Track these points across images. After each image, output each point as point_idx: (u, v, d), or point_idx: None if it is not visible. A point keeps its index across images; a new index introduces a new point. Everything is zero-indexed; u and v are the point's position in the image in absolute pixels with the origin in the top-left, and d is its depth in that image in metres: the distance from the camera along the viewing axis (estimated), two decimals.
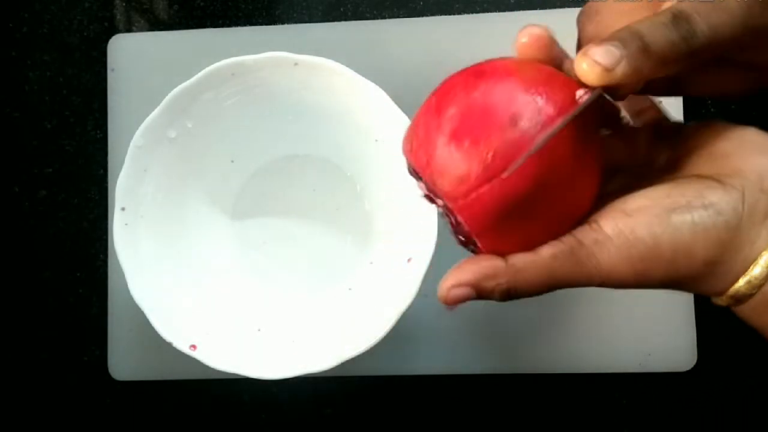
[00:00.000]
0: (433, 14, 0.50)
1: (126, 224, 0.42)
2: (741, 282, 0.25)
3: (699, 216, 0.25)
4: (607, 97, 0.26)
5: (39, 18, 0.53)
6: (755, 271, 0.25)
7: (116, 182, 0.41)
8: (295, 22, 0.51)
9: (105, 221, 0.50)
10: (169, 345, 0.40)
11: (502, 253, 0.26)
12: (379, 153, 0.44)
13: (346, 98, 0.42)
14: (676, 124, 0.30)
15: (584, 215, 0.26)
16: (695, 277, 0.25)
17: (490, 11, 0.49)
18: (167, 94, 0.41)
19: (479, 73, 0.27)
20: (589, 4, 0.28)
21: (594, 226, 0.26)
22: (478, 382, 0.48)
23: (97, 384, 0.50)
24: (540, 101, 0.25)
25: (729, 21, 0.25)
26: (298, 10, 0.51)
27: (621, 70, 0.24)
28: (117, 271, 0.44)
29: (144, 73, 0.50)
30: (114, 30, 0.52)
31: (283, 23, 0.51)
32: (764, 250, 0.25)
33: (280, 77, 0.42)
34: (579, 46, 0.29)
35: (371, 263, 0.46)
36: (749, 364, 0.47)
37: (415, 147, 0.26)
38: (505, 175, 0.24)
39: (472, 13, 0.49)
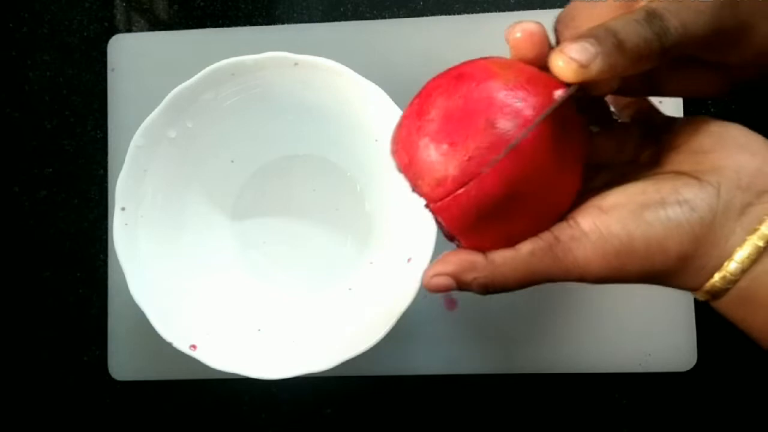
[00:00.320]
0: (433, 14, 0.50)
1: (126, 224, 0.42)
2: (716, 277, 0.25)
3: (673, 212, 0.25)
4: (588, 94, 0.27)
5: (39, 18, 0.53)
6: (730, 266, 0.25)
7: (116, 182, 0.41)
8: (295, 22, 0.51)
9: (105, 221, 0.50)
10: (169, 345, 0.40)
11: (484, 250, 0.27)
12: (379, 153, 0.44)
13: (346, 98, 0.42)
14: (666, 119, 0.30)
15: (564, 212, 0.27)
16: (670, 272, 0.26)
17: (490, 11, 0.49)
18: (167, 94, 0.41)
19: (459, 75, 0.27)
20: (564, 10, 0.29)
21: (571, 222, 0.26)
22: (478, 382, 0.48)
23: (97, 384, 0.50)
24: (519, 104, 0.25)
25: (699, 19, 0.25)
26: (298, 10, 0.51)
27: (596, 67, 0.24)
28: (117, 271, 0.44)
29: (144, 73, 0.50)
30: (114, 30, 0.52)
31: (283, 23, 0.51)
32: (738, 246, 0.25)
33: (280, 77, 0.42)
34: None
35: (371, 263, 0.46)
36: (749, 364, 0.47)
37: (398, 148, 0.27)
38: (484, 171, 0.24)
39: (472, 13, 0.49)
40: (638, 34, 0.25)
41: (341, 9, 0.51)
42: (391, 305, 0.40)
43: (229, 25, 0.51)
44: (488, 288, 0.27)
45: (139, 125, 0.41)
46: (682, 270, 0.26)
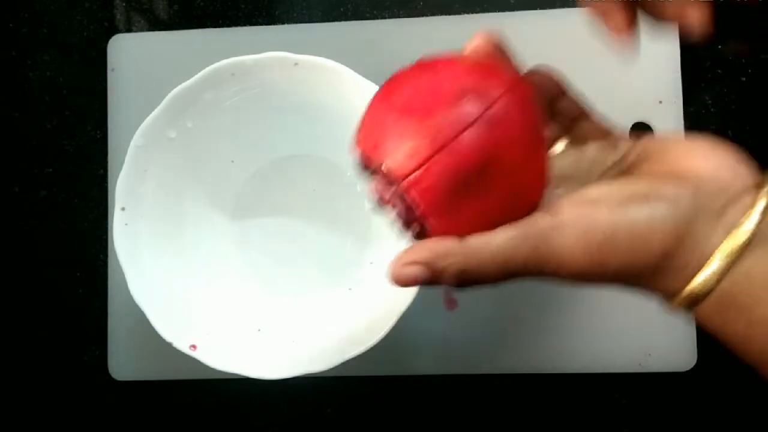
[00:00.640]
0: (433, 14, 0.50)
1: (126, 224, 0.42)
2: (697, 279, 0.25)
3: (657, 207, 0.25)
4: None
5: (39, 18, 0.53)
6: (711, 265, 0.25)
7: (116, 182, 0.41)
8: (295, 22, 0.51)
9: (105, 221, 0.50)
10: (169, 345, 0.40)
11: (457, 235, 0.25)
12: None
13: (346, 98, 0.42)
14: (632, 140, 0.30)
15: (537, 200, 0.26)
16: (652, 269, 0.25)
17: (490, 11, 0.49)
18: (167, 94, 0.41)
19: (423, 64, 0.27)
20: None
21: (552, 211, 0.25)
22: (478, 382, 0.48)
23: (97, 384, 0.50)
24: (484, 81, 0.25)
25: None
26: (298, 10, 0.51)
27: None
28: (117, 271, 0.44)
29: (144, 73, 0.50)
30: (114, 30, 0.52)
31: (283, 23, 0.51)
32: (718, 244, 0.25)
33: (280, 77, 0.42)
34: None
35: (371, 263, 0.46)
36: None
37: (362, 137, 0.26)
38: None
39: (472, 13, 0.49)
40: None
41: (341, 9, 0.51)
42: (391, 305, 0.40)
43: (229, 25, 0.51)
44: (463, 277, 0.25)
45: (139, 125, 0.41)
46: (663, 268, 0.25)
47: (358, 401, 0.49)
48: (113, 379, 0.50)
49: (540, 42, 0.48)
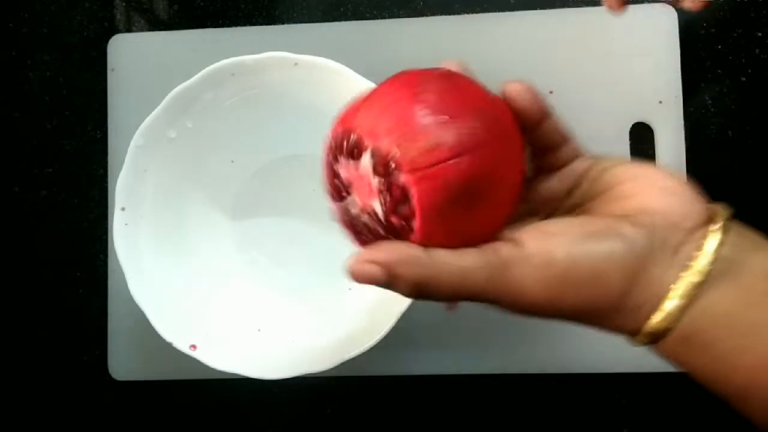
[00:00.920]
0: (433, 14, 0.50)
1: (126, 224, 0.42)
2: (656, 317, 0.25)
3: (615, 245, 0.25)
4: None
5: (39, 18, 0.53)
6: (667, 304, 0.25)
7: (116, 182, 0.41)
8: (295, 22, 0.51)
9: (105, 221, 0.50)
10: (169, 345, 0.41)
11: (428, 244, 0.25)
12: None
13: (346, 98, 0.42)
14: (585, 167, 0.30)
15: (503, 227, 0.27)
16: (609, 307, 0.25)
17: (490, 11, 0.49)
18: (167, 94, 0.41)
19: (445, 72, 0.28)
20: None
21: (516, 242, 0.26)
22: (478, 382, 0.48)
23: (97, 384, 0.50)
24: (494, 100, 0.27)
25: None
26: (298, 10, 0.51)
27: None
28: (117, 271, 0.44)
29: (144, 73, 0.50)
30: (114, 30, 0.52)
31: (283, 23, 0.51)
32: (673, 283, 0.25)
33: (280, 77, 0.42)
34: None
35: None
36: None
37: (360, 119, 0.26)
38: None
39: (472, 13, 0.49)
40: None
41: (341, 9, 0.51)
42: (391, 305, 0.40)
43: (229, 25, 0.51)
44: (419, 288, 0.25)
45: (139, 125, 0.41)
46: (619, 308, 0.25)
47: (358, 401, 0.49)
48: (113, 379, 0.50)
49: (540, 42, 0.48)
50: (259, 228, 0.48)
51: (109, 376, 0.50)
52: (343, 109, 0.28)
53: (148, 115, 0.41)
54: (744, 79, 0.48)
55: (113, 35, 0.51)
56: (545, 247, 0.25)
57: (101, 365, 0.50)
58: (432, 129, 0.25)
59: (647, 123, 0.47)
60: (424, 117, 0.25)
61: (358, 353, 0.40)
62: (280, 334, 0.44)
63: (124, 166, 0.41)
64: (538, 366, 0.47)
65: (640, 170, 0.28)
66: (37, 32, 0.53)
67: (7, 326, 0.52)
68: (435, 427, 0.49)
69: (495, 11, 0.49)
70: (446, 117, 0.25)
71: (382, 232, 0.26)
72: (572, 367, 0.47)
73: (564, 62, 0.48)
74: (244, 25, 0.51)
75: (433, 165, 0.24)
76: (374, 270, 0.25)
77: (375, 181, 0.25)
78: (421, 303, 0.39)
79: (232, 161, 0.47)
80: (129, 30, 0.52)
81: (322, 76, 0.41)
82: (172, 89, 0.41)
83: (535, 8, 0.49)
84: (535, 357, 0.47)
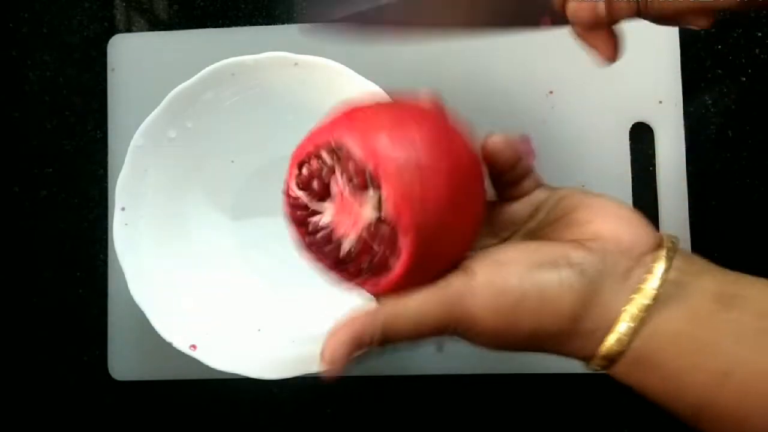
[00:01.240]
0: None
1: (126, 224, 0.42)
2: (610, 340, 0.26)
3: (565, 274, 0.26)
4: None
5: (39, 18, 0.53)
6: (620, 327, 0.26)
7: (116, 182, 0.41)
8: (295, 22, 0.51)
9: (105, 221, 0.50)
10: (169, 345, 0.40)
11: (415, 258, 0.26)
12: None
13: (346, 98, 0.42)
14: (543, 195, 0.31)
15: (464, 255, 0.28)
16: (562, 333, 0.26)
17: None
18: (167, 94, 0.41)
19: (411, 106, 0.29)
20: None
21: (468, 272, 0.27)
22: (478, 382, 0.48)
23: (97, 384, 0.50)
24: (466, 136, 0.29)
25: None
26: (298, 10, 0.51)
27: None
28: (117, 271, 0.44)
29: (144, 73, 0.50)
30: (114, 30, 0.52)
31: (283, 23, 0.51)
32: (624, 306, 0.26)
33: (280, 77, 0.42)
34: None
35: None
36: None
37: (374, 137, 0.26)
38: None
39: None
40: None
41: None
42: None
43: (229, 25, 0.51)
44: (385, 341, 0.27)
45: (139, 125, 0.41)
46: (573, 332, 0.26)
47: (358, 401, 0.49)
48: (113, 379, 0.50)
49: (540, 42, 0.48)
50: (259, 228, 0.48)
51: (109, 376, 0.50)
52: (329, 120, 0.29)
53: (148, 115, 0.41)
54: (744, 79, 0.48)
55: (113, 35, 0.51)
56: (497, 277, 0.26)
57: (101, 365, 0.50)
58: (427, 177, 0.26)
59: (647, 123, 0.47)
60: (419, 161, 0.26)
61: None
62: (280, 334, 0.44)
63: (124, 166, 0.41)
64: (539, 366, 0.47)
65: (594, 199, 0.29)
66: (37, 32, 0.53)
67: (7, 326, 0.52)
68: (435, 427, 0.49)
69: None
70: (437, 164, 0.26)
71: (350, 257, 0.28)
72: (573, 367, 0.47)
73: (564, 62, 0.48)
74: (244, 25, 0.51)
75: (424, 212, 0.25)
76: (346, 352, 0.27)
77: (366, 212, 0.26)
78: None
79: (232, 161, 0.47)
80: (129, 30, 0.52)
81: (322, 76, 0.41)
82: (172, 89, 0.41)
83: None
84: (534, 357, 0.47)
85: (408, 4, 0.27)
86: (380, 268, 0.27)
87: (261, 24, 0.51)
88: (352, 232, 0.27)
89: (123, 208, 0.42)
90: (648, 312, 0.26)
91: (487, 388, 0.48)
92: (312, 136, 0.29)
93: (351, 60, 0.41)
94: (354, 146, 0.26)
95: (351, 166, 0.26)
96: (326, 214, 0.28)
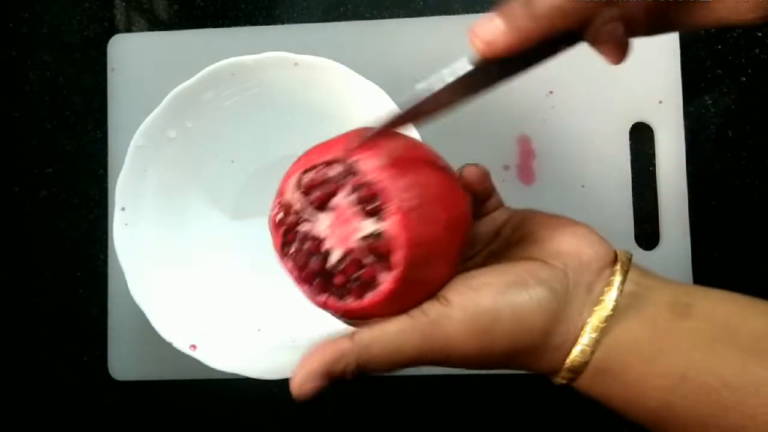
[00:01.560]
0: (433, 14, 0.50)
1: (126, 224, 0.42)
2: (575, 351, 0.27)
3: (534, 292, 0.27)
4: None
5: (39, 18, 0.53)
6: (583, 338, 0.27)
7: (116, 182, 0.41)
8: (295, 22, 0.51)
9: (105, 221, 0.50)
10: (169, 345, 0.41)
11: (407, 281, 0.26)
12: None
13: (346, 98, 0.42)
14: (506, 214, 0.32)
15: (443, 285, 0.28)
16: (534, 348, 0.27)
17: (490, 11, 0.49)
18: (167, 94, 0.41)
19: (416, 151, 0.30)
20: None
21: (442, 300, 0.27)
22: (478, 382, 0.48)
23: (97, 384, 0.50)
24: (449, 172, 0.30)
25: None
26: (298, 10, 0.51)
27: (503, 41, 0.26)
28: (117, 271, 0.44)
29: (144, 73, 0.50)
30: (114, 30, 0.52)
31: (283, 23, 0.51)
32: (588, 317, 0.27)
33: (280, 77, 0.42)
34: None
35: None
36: None
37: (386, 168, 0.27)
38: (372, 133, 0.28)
39: (472, 13, 0.49)
40: None
41: (341, 9, 0.51)
42: None
43: (229, 25, 0.51)
44: (361, 372, 0.27)
45: (139, 125, 0.41)
46: (544, 347, 0.27)
47: (358, 401, 0.49)
48: (113, 379, 0.50)
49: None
50: (259, 228, 0.48)
51: (109, 376, 0.50)
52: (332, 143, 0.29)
53: (148, 115, 0.41)
54: (744, 79, 0.48)
55: (113, 35, 0.51)
56: (471, 302, 0.27)
57: (101, 365, 0.50)
58: (428, 212, 0.27)
59: (647, 123, 0.47)
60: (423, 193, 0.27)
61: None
62: (280, 334, 0.44)
63: (124, 166, 0.41)
64: None
65: (553, 219, 0.30)
66: (37, 32, 0.53)
67: (7, 326, 0.52)
68: (435, 427, 0.49)
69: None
70: (438, 202, 0.27)
71: (338, 271, 0.28)
72: None
73: (564, 62, 0.48)
74: (244, 25, 0.51)
75: (419, 241, 0.26)
76: (315, 384, 0.27)
77: (365, 225, 0.27)
78: None
79: (232, 161, 0.47)
80: (129, 30, 0.52)
81: (322, 76, 0.41)
82: (172, 89, 0.41)
83: None
84: None
85: (457, 82, 0.28)
86: (367, 283, 0.27)
87: (261, 24, 0.51)
88: (344, 245, 0.27)
89: (123, 208, 0.42)
90: (608, 322, 0.27)
91: (487, 388, 0.48)
92: (321, 149, 0.29)
93: (351, 60, 0.41)
94: (368, 168, 0.27)
95: (360, 183, 0.27)
96: (320, 224, 0.28)
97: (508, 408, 0.48)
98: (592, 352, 0.27)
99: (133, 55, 0.50)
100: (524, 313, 0.27)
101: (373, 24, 0.50)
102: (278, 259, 0.30)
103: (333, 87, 0.42)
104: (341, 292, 0.28)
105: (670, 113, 0.47)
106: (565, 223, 0.30)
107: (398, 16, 0.50)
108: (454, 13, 0.49)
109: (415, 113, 0.28)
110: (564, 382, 0.28)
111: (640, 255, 0.47)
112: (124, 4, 0.52)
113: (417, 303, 0.28)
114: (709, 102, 0.48)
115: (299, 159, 0.30)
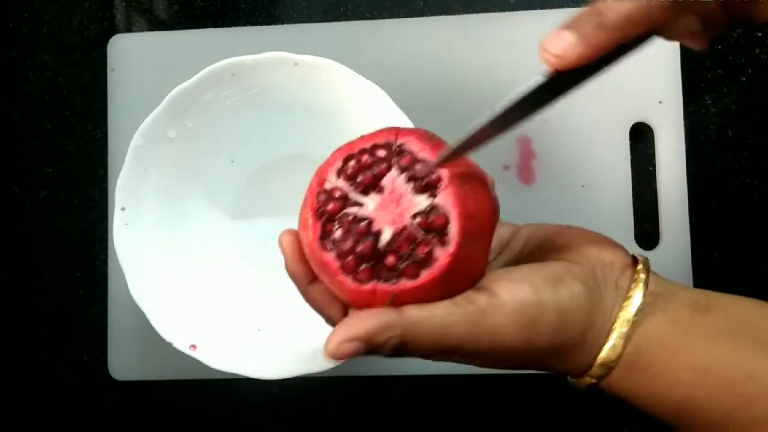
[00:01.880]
0: (433, 14, 0.50)
1: (126, 224, 0.42)
2: (608, 346, 0.27)
3: (573, 287, 0.27)
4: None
5: (39, 18, 0.53)
6: (616, 333, 0.27)
7: (116, 182, 0.41)
8: (295, 22, 0.51)
9: (105, 221, 0.50)
10: (169, 345, 0.40)
11: (459, 260, 0.26)
12: None
13: (345, 98, 0.42)
14: (507, 228, 0.33)
15: (475, 282, 0.28)
16: (573, 344, 0.28)
17: (490, 11, 0.49)
18: (167, 94, 0.41)
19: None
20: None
21: (487, 291, 0.27)
22: (478, 382, 0.48)
23: (97, 384, 0.50)
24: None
25: None
26: (298, 10, 0.51)
27: (575, 53, 0.26)
28: (117, 271, 0.44)
29: (144, 73, 0.50)
30: (114, 30, 0.52)
31: (283, 23, 0.51)
32: (618, 313, 0.27)
33: (280, 77, 0.42)
34: None
35: None
36: None
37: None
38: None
39: (472, 13, 0.49)
40: (620, 5, 0.26)
41: (341, 9, 0.51)
42: None
43: (229, 25, 0.51)
44: (401, 349, 0.26)
45: (139, 125, 0.41)
46: (581, 343, 0.28)
47: (358, 401, 0.49)
48: (113, 379, 0.50)
49: (539, 42, 0.48)
50: (259, 228, 0.48)
51: (109, 376, 0.50)
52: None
53: (148, 115, 0.41)
54: (744, 79, 0.48)
55: (113, 35, 0.51)
56: (518, 293, 0.27)
57: (101, 365, 0.50)
58: (475, 199, 0.27)
59: (647, 123, 0.47)
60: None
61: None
62: (280, 334, 0.44)
63: (124, 166, 0.41)
64: None
65: (564, 228, 0.31)
66: (37, 32, 0.53)
67: (7, 326, 0.52)
68: (434, 427, 0.49)
69: (495, 11, 0.49)
70: (482, 191, 0.28)
71: (391, 251, 0.27)
72: None
73: None
74: (244, 25, 0.51)
75: (471, 220, 0.27)
76: (354, 347, 0.26)
77: (419, 200, 0.27)
78: None
79: (232, 161, 0.47)
80: (129, 30, 0.52)
81: (322, 76, 0.41)
82: (172, 89, 0.41)
83: (535, 8, 0.49)
84: None
85: (529, 96, 0.28)
86: (422, 261, 0.26)
87: (261, 24, 0.51)
88: (397, 223, 0.27)
89: (123, 208, 0.42)
90: (637, 317, 0.27)
91: (487, 388, 0.48)
92: (362, 139, 0.29)
93: (351, 60, 0.41)
94: (416, 149, 0.28)
95: (411, 161, 0.27)
96: (368, 206, 0.28)
97: (509, 408, 0.48)
98: (624, 346, 0.27)
99: (133, 55, 0.50)
100: (566, 308, 0.27)
101: (373, 24, 0.50)
102: (313, 254, 0.28)
103: (333, 87, 0.42)
104: (392, 274, 0.27)
105: (670, 113, 0.47)
106: (581, 230, 0.31)
107: (398, 16, 0.50)
108: (454, 13, 0.49)
109: (490, 130, 0.28)
110: (593, 381, 0.29)
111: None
112: (124, 4, 0.52)
113: (460, 290, 0.27)
114: (709, 102, 0.48)
115: (333, 154, 0.30)
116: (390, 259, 0.27)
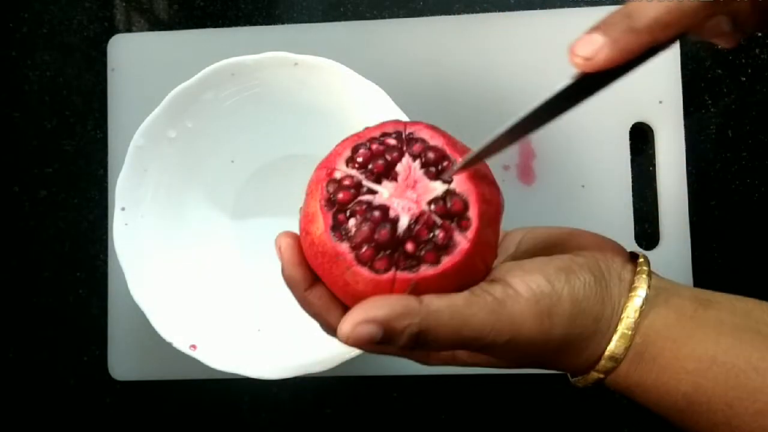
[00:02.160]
0: (433, 14, 0.50)
1: (126, 224, 0.42)
2: (615, 338, 0.27)
3: (583, 276, 0.27)
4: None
5: (39, 18, 0.53)
6: (624, 324, 0.27)
7: (116, 182, 0.41)
8: (295, 22, 0.51)
9: (105, 221, 0.50)
10: (169, 345, 0.40)
11: (476, 245, 0.26)
12: None
13: (345, 98, 0.42)
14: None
15: (484, 276, 0.28)
16: (587, 335, 0.28)
17: (490, 11, 0.49)
18: (167, 94, 0.41)
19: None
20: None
21: (501, 282, 0.27)
22: (478, 382, 0.48)
23: (97, 384, 0.50)
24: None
25: None
26: (298, 10, 0.51)
27: (603, 56, 0.26)
28: (117, 271, 0.44)
29: (144, 73, 0.50)
30: (114, 30, 0.52)
31: (283, 23, 0.51)
32: (626, 303, 0.27)
33: (280, 77, 0.42)
34: None
35: None
36: None
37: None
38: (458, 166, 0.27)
39: (472, 13, 0.49)
40: (652, 9, 0.25)
41: (341, 9, 0.51)
42: None
43: (229, 25, 0.51)
44: (419, 338, 0.25)
45: (139, 125, 0.41)
46: (593, 333, 0.27)
47: (358, 401, 0.49)
48: (113, 379, 0.50)
49: (540, 42, 0.48)
50: (259, 228, 0.48)
51: (109, 376, 0.50)
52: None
53: (148, 115, 0.41)
54: (744, 79, 0.48)
55: (113, 35, 0.51)
56: (532, 284, 0.27)
57: (101, 365, 0.50)
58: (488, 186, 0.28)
59: (647, 123, 0.47)
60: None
61: (358, 353, 0.40)
62: (280, 334, 0.44)
63: (124, 166, 0.41)
64: None
65: (556, 228, 0.31)
66: (37, 32, 0.53)
67: (7, 326, 0.52)
68: (435, 427, 0.49)
69: (495, 11, 0.49)
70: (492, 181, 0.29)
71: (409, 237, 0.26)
72: None
73: (564, 62, 0.48)
74: (244, 25, 0.51)
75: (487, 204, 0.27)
76: (371, 330, 0.24)
77: (436, 185, 0.27)
78: None
79: (232, 161, 0.47)
80: (129, 30, 0.52)
81: (322, 76, 0.41)
82: (172, 89, 0.41)
83: (535, 8, 0.49)
84: None
85: (556, 97, 0.28)
86: (442, 246, 0.26)
87: (261, 24, 0.51)
88: (414, 209, 0.26)
89: (123, 208, 0.42)
90: (643, 308, 0.27)
91: (487, 388, 0.48)
92: (369, 130, 0.29)
93: (351, 60, 0.41)
94: (428, 136, 0.28)
95: (424, 147, 0.27)
96: (382, 194, 0.27)
97: (509, 408, 0.48)
98: (632, 337, 0.27)
99: (133, 55, 0.50)
100: (580, 297, 0.27)
101: (373, 24, 0.50)
102: (322, 247, 0.27)
103: (333, 87, 0.42)
104: (411, 262, 0.26)
105: (670, 113, 0.47)
106: (576, 230, 0.31)
107: (398, 16, 0.50)
108: (454, 13, 0.49)
109: (514, 133, 0.28)
110: (600, 376, 0.28)
111: None
112: (124, 4, 0.52)
113: (475, 280, 0.27)
114: (709, 102, 0.48)
115: (337, 146, 0.29)
116: (409, 246, 0.26)
